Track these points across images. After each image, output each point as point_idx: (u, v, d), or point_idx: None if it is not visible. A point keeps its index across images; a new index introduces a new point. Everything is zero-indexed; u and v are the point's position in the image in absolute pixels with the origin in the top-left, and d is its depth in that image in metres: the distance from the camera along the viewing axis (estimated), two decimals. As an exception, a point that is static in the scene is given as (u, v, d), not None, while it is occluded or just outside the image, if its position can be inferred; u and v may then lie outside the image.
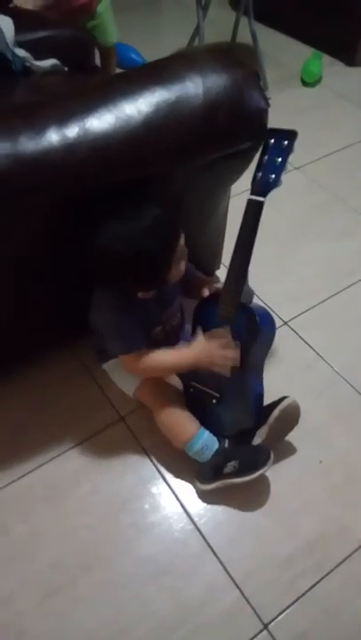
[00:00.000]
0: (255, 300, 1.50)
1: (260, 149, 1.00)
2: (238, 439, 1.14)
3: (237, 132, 0.96)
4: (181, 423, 1.11)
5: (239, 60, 1.00)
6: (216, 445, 1.10)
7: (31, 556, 1.06)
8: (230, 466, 1.07)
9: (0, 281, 1.03)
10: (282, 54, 2.48)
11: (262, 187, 0.98)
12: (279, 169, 0.97)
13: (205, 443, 1.10)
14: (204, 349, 1.05)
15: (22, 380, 1.29)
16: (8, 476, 1.16)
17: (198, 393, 1.14)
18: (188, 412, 1.13)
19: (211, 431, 1.12)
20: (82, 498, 1.14)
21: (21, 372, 1.28)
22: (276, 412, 1.11)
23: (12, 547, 1.07)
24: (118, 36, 1.93)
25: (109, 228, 0.89)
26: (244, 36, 2.22)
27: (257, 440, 1.12)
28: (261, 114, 0.97)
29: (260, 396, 1.15)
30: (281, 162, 0.96)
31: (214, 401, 1.12)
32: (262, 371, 1.17)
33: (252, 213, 0.99)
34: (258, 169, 0.99)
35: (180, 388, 1.17)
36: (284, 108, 2.15)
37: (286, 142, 0.96)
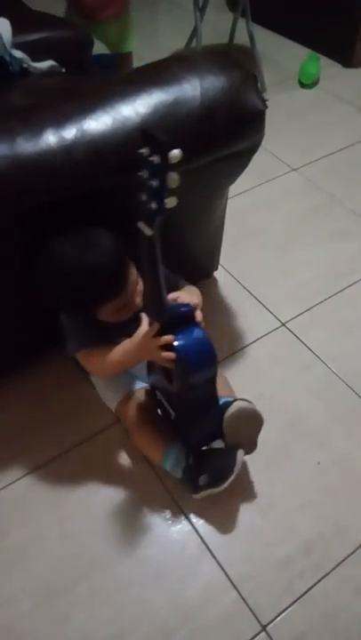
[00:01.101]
0: (250, 304, 1.50)
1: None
2: (204, 451, 1.10)
3: (235, 133, 0.97)
4: (151, 447, 1.14)
5: (237, 62, 1.00)
6: (183, 464, 1.10)
7: (30, 558, 1.06)
8: (202, 479, 1.07)
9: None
10: (279, 56, 2.49)
11: (146, 217, 0.75)
12: (158, 194, 0.71)
13: (173, 464, 1.11)
14: (141, 343, 0.97)
15: (20, 383, 1.29)
16: (6, 477, 1.16)
17: (162, 405, 1.13)
18: (159, 432, 1.13)
19: (181, 443, 1.11)
20: (80, 500, 1.13)
21: (19, 375, 1.28)
22: (225, 419, 1.04)
23: (11, 550, 1.07)
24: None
25: (52, 245, 0.89)
26: (241, 38, 2.23)
27: (218, 444, 1.09)
28: (259, 115, 0.97)
29: (216, 415, 1.06)
30: (158, 185, 0.70)
31: (172, 417, 1.10)
32: (214, 388, 1.05)
33: (145, 247, 0.80)
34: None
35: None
36: (281, 109, 2.16)
37: (158, 158, 0.68)
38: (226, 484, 1.03)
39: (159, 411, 1.16)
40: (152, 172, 0.70)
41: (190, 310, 0.95)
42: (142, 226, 0.77)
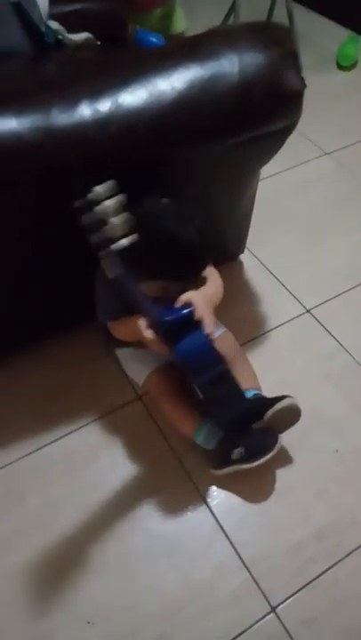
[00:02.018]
0: (274, 289, 1.49)
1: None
2: (243, 425, 1.09)
3: (272, 112, 0.95)
4: (182, 419, 1.14)
5: (277, 39, 0.97)
6: (220, 434, 1.10)
7: (46, 527, 1.08)
8: (237, 452, 1.07)
9: (28, 252, 1.03)
10: (318, 36, 2.42)
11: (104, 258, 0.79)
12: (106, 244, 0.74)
13: (206, 435, 1.11)
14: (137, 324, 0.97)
15: (45, 355, 1.30)
16: (27, 446, 1.18)
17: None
18: (192, 405, 1.13)
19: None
20: (98, 473, 1.15)
21: (40, 350, 1.30)
22: (270, 413, 1.06)
23: (27, 517, 1.09)
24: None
25: (145, 205, 0.89)
26: (280, 16, 2.17)
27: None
28: (298, 95, 0.95)
29: (239, 398, 1.05)
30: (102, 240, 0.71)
31: (201, 397, 1.08)
32: (229, 374, 1.03)
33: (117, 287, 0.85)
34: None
35: None
36: (317, 91, 2.09)
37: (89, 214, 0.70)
38: (260, 462, 1.04)
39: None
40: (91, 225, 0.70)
41: (188, 313, 0.94)
42: (106, 265, 0.76)
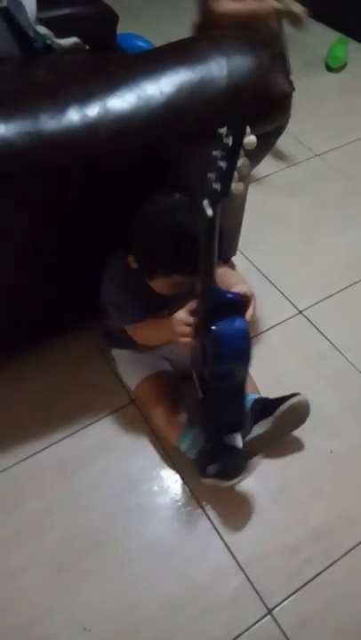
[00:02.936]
0: (267, 291, 1.49)
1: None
2: (223, 441, 1.10)
3: (261, 115, 0.95)
4: (169, 425, 1.14)
5: (265, 42, 0.98)
6: (201, 444, 1.10)
7: (42, 531, 1.08)
8: (212, 467, 1.07)
9: (19, 257, 1.03)
10: (307, 38, 2.41)
11: (209, 198, 0.76)
12: (225, 177, 0.71)
13: (190, 443, 1.11)
14: (171, 322, 0.99)
15: (38, 360, 1.30)
16: (23, 452, 1.18)
17: (194, 385, 1.12)
18: (178, 413, 1.14)
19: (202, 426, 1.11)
20: (93, 477, 1.15)
21: (37, 352, 1.29)
22: (284, 407, 1.09)
23: (24, 521, 1.09)
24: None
25: (156, 200, 0.91)
26: (268, 19, 2.18)
27: (258, 430, 1.11)
28: (286, 97, 0.95)
29: (240, 408, 1.06)
30: (227, 167, 0.70)
31: (200, 397, 1.09)
32: (244, 384, 1.05)
33: (205, 228, 0.81)
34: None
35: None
36: (306, 93, 2.11)
37: (231, 141, 0.70)
38: (231, 483, 1.04)
39: (191, 389, 1.14)
40: (224, 154, 0.70)
41: (239, 299, 0.94)
42: (205, 205, 0.76)
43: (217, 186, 0.72)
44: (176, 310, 1.02)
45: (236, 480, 1.05)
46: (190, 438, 1.11)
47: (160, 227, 0.91)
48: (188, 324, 0.96)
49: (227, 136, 0.69)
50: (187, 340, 0.97)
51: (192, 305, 0.97)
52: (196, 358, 1.08)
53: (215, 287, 0.90)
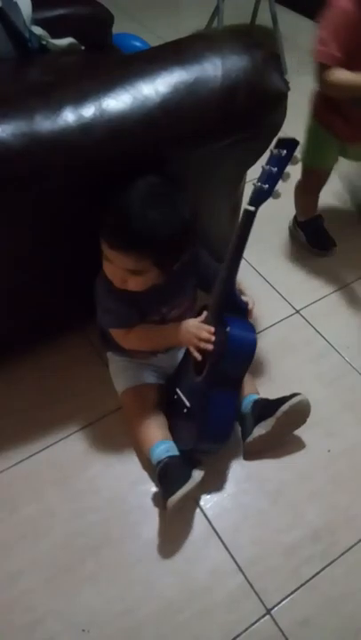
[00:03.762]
0: (264, 291, 1.49)
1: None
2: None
3: (256, 114, 0.95)
4: (143, 437, 1.12)
5: (260, 42, 0.98)
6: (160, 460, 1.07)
7: (40, 534, 1.07)
8: (163, 483, 1.06)
9: (15, 258, 1.03)
10: (303, 38, 2.41)
11: (255, 195, 0.92)
12: (273, 179, 0.90)
13: (159, 453, 1.08)
14: (185, 325, 1.05)
15: (34, 362, 1.30)
16: (18, 454, 1.18)
17: (178, 400, 1.13)
18: (156, 427, 1.12)
19: (177, 443, 1.10)
20: (90, 479, 1.15)
21: (33, 354, 1.29)
22: (285, 407, 1.10)
23: (21, 525, 1.09)
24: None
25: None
26: (264, 19, 2.19)
27: (260, 431, 1.12)
28: (281, 97, 0.95)
29: (231, 414, 1.10)
30: (276, 172, 0.90)
31: (185, 410, 1.10)
32: (239, 388, 1.12)
33: (243, 221, 0.95)
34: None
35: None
36: (302, 92, 2.11)
37: (285, 152, 0.89)
38: (171, 502, 1.00)
39: (172, 408, 1.16)
40: (274, 161, 0.90)
41: (245, 306, 1.05)
42: (247, 207, 0.93)
43: (265, 186, 0.90)
44: (167, 316, 1.09)
45: (171, 500, 1.00)
46: (161, 449, 1.08)
47: (117, 198, 0.90)
48: (209, 332, 1.02)
49: (281, 147, 0.89)
50: (210, 345, 1.01)
51: (202, 318, 1.06)
52: (186, 371, 1.11)
53: (234, 283, 1.02)
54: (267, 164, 0.91)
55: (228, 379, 1.05)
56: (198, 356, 1.03)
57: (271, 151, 0.91)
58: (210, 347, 1.01)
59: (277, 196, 0.92)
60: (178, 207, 0.93)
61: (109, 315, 1.08)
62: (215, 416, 1.06)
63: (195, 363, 1.07)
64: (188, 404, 1.10)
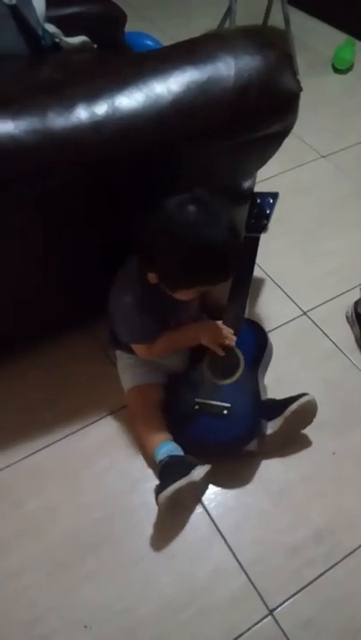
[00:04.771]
0: (271, 291, 1.49)
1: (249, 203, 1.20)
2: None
3: (268, 115, 0.95)
4: (148, 437, 1.13)
5: (272, 42, 0.98)
6: (164, 459, 1.08)
7: (43, 530, 1.08)
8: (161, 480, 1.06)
9: (23, 257, 1.03)
10: (314, 39, 2.43)
11: (255, 228, 1.19)
12: (268, 218, 1.19)
13: (164, 453, 1.08)
14: (206, 325, 1.12)
15: (40, 359, 1.30)
16: (23, 450, 1.18)
17: (205, 408, 1.11)
18: (161, 428, 1.13)
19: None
20: (94, 476, 1.15)
21: (39, 352, 1.29)
22: (294, 406, 1.10)
23: (24, 521, 1.09)
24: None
25: (173, 216, 0.90)
26: (276, 20, 2.18)
27: (268, 431, 1.12)
28: (293, 97, 0.95)
29: (257, 411, 1.12)
30: (269, 213, 1.19)
31: (225, 412, 1.10)
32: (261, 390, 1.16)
33: (249, 247, 1.18)
34: (249, 217, 1.20)
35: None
36: (314, 94, 2.10)
37: (272, 200, 1.20)
38: (162, 499, 1.00)
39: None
40: (267, 206, 1.21)
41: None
42: (251, 234, 1.19)
43: (263, 222, 1.18)
44: (182, 321, 1.12)
45: (170, 489, 1.00)
46: (166, 449, 1.09)
47: (184, 244, 0.89)
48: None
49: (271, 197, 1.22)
50: (232, 343, 1.09)
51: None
52: (195, 381, 1.16)
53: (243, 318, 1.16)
54: (257, 206, 1.20)
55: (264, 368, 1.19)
56: (221, 352, 1.10)
57: (255, 201, 1.20)
58: (232, 342, 1.09)
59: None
60: (226, 213, 0.93)
61: (134, 331, 1.08)
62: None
63: (214, 369, 1.14)
64: (227, 405, 1.10)
